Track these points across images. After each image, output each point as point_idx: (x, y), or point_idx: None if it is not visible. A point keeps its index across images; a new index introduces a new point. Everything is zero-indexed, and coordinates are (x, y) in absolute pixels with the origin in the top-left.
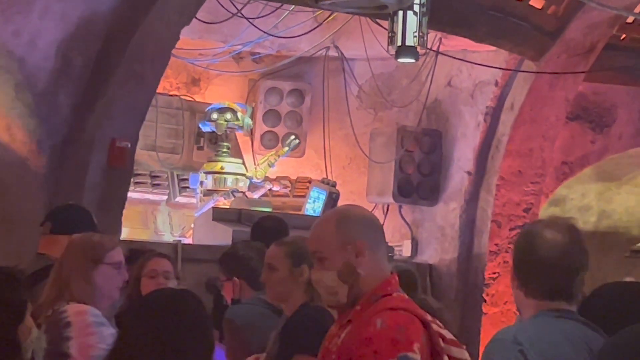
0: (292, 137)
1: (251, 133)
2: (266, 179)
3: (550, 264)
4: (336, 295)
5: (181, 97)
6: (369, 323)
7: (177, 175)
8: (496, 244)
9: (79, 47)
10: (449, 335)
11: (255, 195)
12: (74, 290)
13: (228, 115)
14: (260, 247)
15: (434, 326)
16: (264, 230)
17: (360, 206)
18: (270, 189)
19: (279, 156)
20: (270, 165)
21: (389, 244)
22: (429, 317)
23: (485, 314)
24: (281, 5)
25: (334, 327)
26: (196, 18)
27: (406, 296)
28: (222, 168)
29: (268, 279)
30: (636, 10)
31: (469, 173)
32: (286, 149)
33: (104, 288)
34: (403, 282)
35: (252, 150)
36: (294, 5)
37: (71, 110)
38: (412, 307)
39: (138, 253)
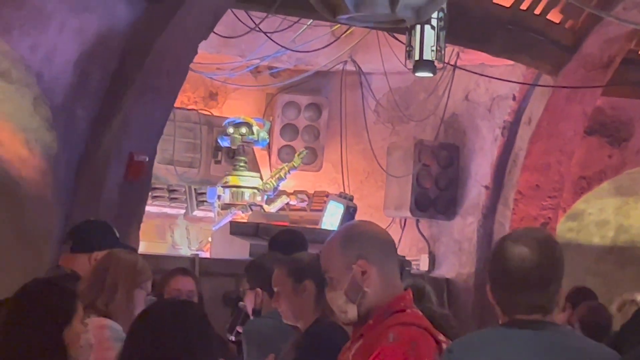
0: (303, 150)
1: (268, 147)
2: (283, 192)
3: (519, 278)
4: (346, 314)
5: (199, 111)
6: (381, 337)
7: (195, 189)
8: None
9: (96, 62)
10: None
11: (273, 209)
12: (116, 301)
13: (243, 130)
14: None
15: (445, 346)
16: (281, 244)
17: (369, 222)
18: (287, 203)
19: (289, 169)
20: (281, 178)
21: (406, 258)
22: (442, 337)
23: None
24: (299, 20)
25: (348, 342)
26: (214, 32)
27: (420, 313)
28: (242, 181)
29: (277, 304)
30: None
31: (486, 187)
32: (298, 161)
33: (135, 310)
34: (414, 295)
35: (270, 164)
36: (311, 20)
37: (88, 125)
38: (425, 323)
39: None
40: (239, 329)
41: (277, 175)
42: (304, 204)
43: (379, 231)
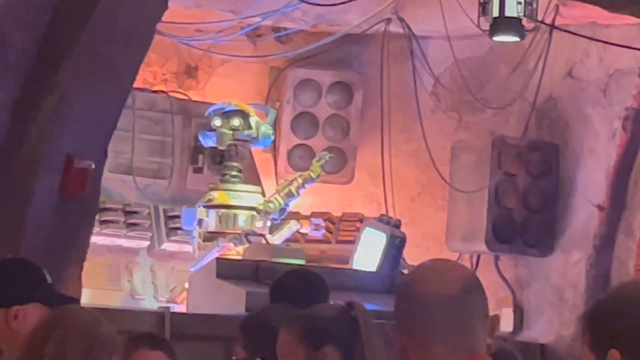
0: (325, 153)
1: (274, 148)
2: (294, 215)
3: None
4: None
5: (170, 94)
6: None
7: (164, 210)
8: None
9: (17, 18)
10: None
11: (278, 240)
12: None
13: (236, 122)
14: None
15: None
16: (289, 292)
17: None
18: (298, 231)
19: (304, 182)
20: (292, 195)
21: None
22: None
23: None
24: None
25: None
26: None
27: None
28: (234, 198)
29: None
30: None
31: (599, 207)
32: (317, 170)
33: None
34: None
35: (276, 174)
36: None
37: (7, 114)
38: None
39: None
40: None
41: (285, 190)
42: (319, 233)
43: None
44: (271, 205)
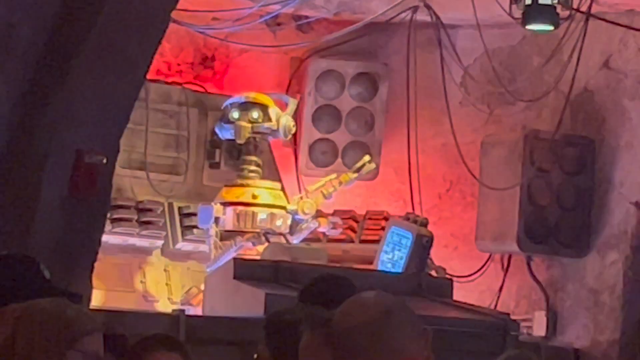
0: (366, 157)
1: (294, 142)
2: (316, 213)
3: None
4: None
5: (185, 86)
6: None
7: (179, 208)
8: None
9: (25, 9)
10: None
11: (296, 239)
12: None
13: (255, 114)
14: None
15: None
16: (319, 298)
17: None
18: (318, 230)
19: (341, 184)
20: (327, 196)
21: (511, 317)
22: None
23: None
24: None
25: None
26: None
27: None
28: (253, 197)
29: None
30: None
31: (637, 206)
32: (354, 174)
33: None
34: None
35: (297, 169)
36: None
37: (14, 107)
38: None
39: (118, 339)
40: None
41: (323, 191)
42: (337, 232)
43: None
44: (307, 206)
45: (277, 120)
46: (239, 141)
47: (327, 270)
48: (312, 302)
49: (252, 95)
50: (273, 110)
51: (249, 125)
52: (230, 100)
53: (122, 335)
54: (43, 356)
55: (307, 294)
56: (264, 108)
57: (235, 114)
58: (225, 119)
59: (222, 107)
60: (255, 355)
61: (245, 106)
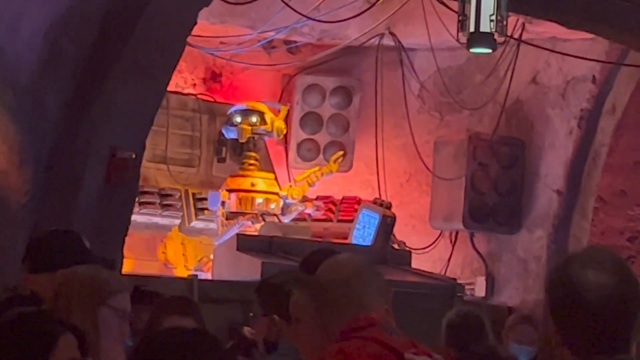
0: (340, 152)
1: (285, 142)
2: (303, 198)
3: (600, 312)
4: None
5: (198, 96)
6: None
7: (193, 194)
8: None
9: (70, 34)
10: None
11: (287, 219)
12: None
13: (253, 119)
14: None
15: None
16: (315, 267)
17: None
18: (304, 211)
19: (322, 174)
20: (311, 184)
21: (459, 282)
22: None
23: None
24: None
25: None
26: None
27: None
28: (252, 185)
29: (295, 336)
30: None
31: (558, 192)
32: (334, 167)
33: (106, 337)
34: (467, 328)
35: (287, 163)
36: None
37: (61, 113)
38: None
39: (145, 294)
40: None
41: (308, 180)
42: (319, 213)
43: None
44: (295, 192)
45: (272, 124)
46: (241, 140)
47: (316, 244)
48: (310, 270)
49: (252, 104)
50: (268, 116)
51: (249, 127)
52: (234, 108)
53: (152, 291)
54: (80, 311)
55: (306, 263)
56: (261, 114)
57: (238, 119)
58: (230, 123)
59: (228, 113)
60: (250, 314)
61: (246, 112)
